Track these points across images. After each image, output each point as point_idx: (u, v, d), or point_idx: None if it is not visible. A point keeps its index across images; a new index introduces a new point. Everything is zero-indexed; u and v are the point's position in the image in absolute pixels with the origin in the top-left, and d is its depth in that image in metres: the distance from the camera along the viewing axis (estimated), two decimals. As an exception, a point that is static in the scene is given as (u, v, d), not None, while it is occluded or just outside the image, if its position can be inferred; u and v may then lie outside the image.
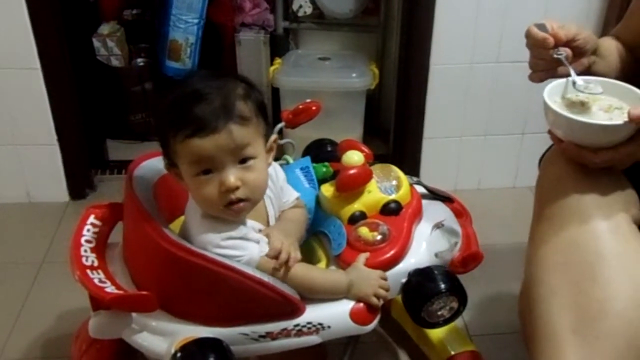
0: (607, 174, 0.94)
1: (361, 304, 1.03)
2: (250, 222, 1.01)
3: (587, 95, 0.98)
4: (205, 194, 0.94)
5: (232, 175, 0.93)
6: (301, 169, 1.24)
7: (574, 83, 0.97)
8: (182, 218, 1.07)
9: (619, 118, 0.91)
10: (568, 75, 0.99)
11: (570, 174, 0.95)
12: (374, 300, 1.03)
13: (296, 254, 1.01)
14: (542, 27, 0.99)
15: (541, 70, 1.01)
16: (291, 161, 1.30)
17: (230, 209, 0.95)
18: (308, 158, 1.27)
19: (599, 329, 0.84)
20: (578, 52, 1.00)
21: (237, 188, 0.93)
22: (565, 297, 0.88)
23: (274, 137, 1.02)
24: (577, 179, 0.94)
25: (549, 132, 0.97)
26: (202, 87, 0.93)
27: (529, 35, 1.00)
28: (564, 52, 0.98)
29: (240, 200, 0.94)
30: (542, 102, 0.95)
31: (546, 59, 1.00)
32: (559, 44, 0.98)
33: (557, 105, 0.94)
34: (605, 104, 0.96)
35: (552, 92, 0.97)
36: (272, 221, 1.07)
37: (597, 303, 0.85)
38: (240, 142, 0.92)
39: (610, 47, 1.08)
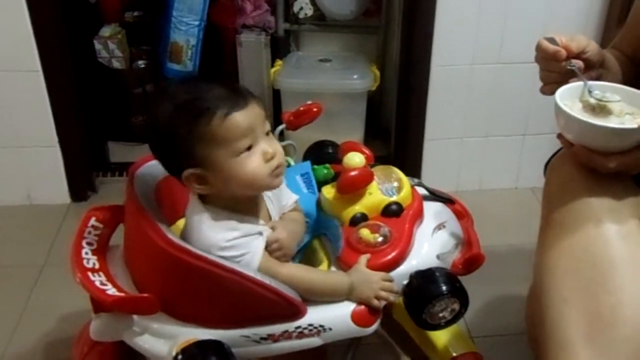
0: (616, 178, 0.94)
1: (362, 306, 1.03)
2: (258, 223, 1.02)
3: (597, 100, 0.97)
4: (253, 168, 0.96)
5: (268, 144, 0.98)
6: (301, 175, 1.24)
7: (589, 92, 0.97)
8: (183, 220, 1.07)
9: (630, 122, 0.90)
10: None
11: (579, 179, 0.95)
12: (375, 302, 1.03)
13: (292, 251, 1.05)
14: (552, 40, 0.99)
15: (553, 82, 1.01)
16: (292, 163, 1.30)
17: (274, 175, 0.98)
18: (308, 163, 1.26)
19: (612, 336, 0.84)
20: (587, 64, 1.00)
21: (275, 154, 0.98)
22: (577, 304, 0.87)
23: None
24: (586, 184, 0.94)
25: (559, 135, 0.97)
26: (199, 88, 0.96)
27: (539, 49, 0.99)
28: (576, 64, 0.98)
29: (278, 166, 0.99)
30: (554, 104, 0.95)
31: (558, 72, 0.99)
32: (570, 56, 0.98)
33: (568, 109, 0.93)
34: (617, 109, 0.96)
35: (564, 95, 0.96)
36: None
37: (609, 309, 0.85)
38: (264, 112, 0.98)
39: (613, 60, 1.09)
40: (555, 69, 0.99)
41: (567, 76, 0.99)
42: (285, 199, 1.11)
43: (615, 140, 0.91)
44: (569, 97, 0.97)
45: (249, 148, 0.96)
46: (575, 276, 0.89)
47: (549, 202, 1.00)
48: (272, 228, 1.03)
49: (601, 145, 0.92)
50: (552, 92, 1.00)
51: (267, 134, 0.99)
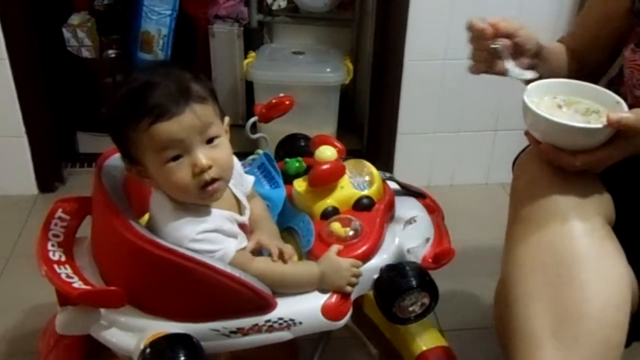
0: (582, 176, 0.95)
1: (332, 299, 1.03)
2: (226, 213, 1.01)
3: (564, 99, 0.98)
4: (178, 180, 0.93)
5: (203, 155, 0.93)
6: (258, 167, 1.23)
7: (507, 70, 0.98)
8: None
9: (596, 121, 0.91)
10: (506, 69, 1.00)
11: (545, 176, 0.95)
12: (348, 289, 1.03)
13: (289, 250, 1.04)
14: (483, 20, 1.01)
15: (482, 62, 1.01)
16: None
17: (206, 191, 0.94)
18: (263, 154, 1.25)
19: (577, 331, 0.85)
20: (519, 49, 1.01)
21: (209, 167, 0.93)
22: (542, 299, 0.88)
23: (227, 119, 1.01)
24: (552, 181, 0.95)
25: (526, 133, 0.98)
26: (151, 77, 0.93)
27: (469, 27, 1.00)
28: (502, 43, 0.99)
29: (214, 180, 0.94)
30: (522, 103, 0.95)
31: (486, 50, 1.00)
32: (499, 35, 0.99)
33: (536, 107, 0.94)
34: (583, 107, 0.96)
35: (532, 93, 0.97)
36: (245, 212, 1.06)
37: (574, 305, 0.86)
38: (205, 120, 0.93)
39: (557, 53, 1.10)
40: (483, 47, 1.00)
41: (494, 56, 1.00)
42: (246, 183, 1.11)
43: (581, 139, 0.91)
44: (537, 94, 0.98)
45: (177, 158, 0.92)
46: (541, 272, 0.90)
47: (516, 199, 1.01)
48: (260, 244, 1.04)
49: (567, 144, 0.92)
50: (478, 72, 1.01)
51: (211, 141, 0.94)
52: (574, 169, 0.93)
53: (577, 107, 0.97)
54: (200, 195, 0.95)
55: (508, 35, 0.99)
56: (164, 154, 0.92)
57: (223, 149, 0.96)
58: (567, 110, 0.96)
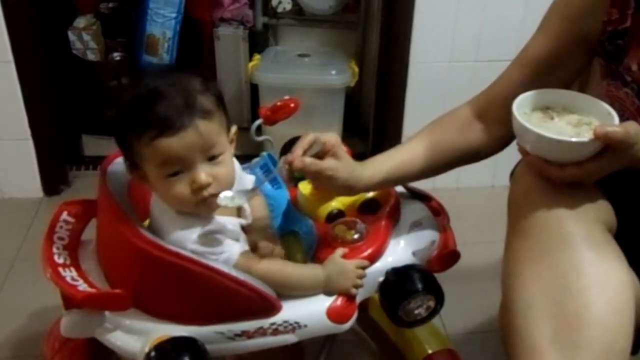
0: (578, 185, 0.94)
1: (338, 302, 1.03)
2: (228, 219, 1.00)
3: (558, 110, 0.97)
4: (177, 193, 0.93)
5: (204, 173, 0.92)
6: (260, 167, 1.23)
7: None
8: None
9: (586, 134, 0.90)
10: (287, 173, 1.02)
11: (541, 187, 0.94)
12: (354, 291, 1.03)
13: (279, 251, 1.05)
14: (316, 143, 1.06)
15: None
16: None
17: (204, 205, 0.94)
18: (266, 155, 1.25)
19: (578, 338, 0.83)
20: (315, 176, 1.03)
21: (208, 184, 0.92)
22: (541, 308, 0.87)
23: (234, 128, 1.00)
24: (548, 191, 0.93)
25: (518, 144, 0.97)
26: (159, 84, 0.92)
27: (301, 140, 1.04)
28: (283, 166, 1.01)
29: (212, 195, 0.94)
30: (511, 114, 0.94)
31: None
32: (292, 168, 1.00)
33: (525, 118, 0.93)
34: (575, 119, 0.95)
35: (522, 104, 0.96)
36: (246, 214, 1.06)
37: (573, 312, 0.85)
38: (208, 138, 0.91)
39: (405, 157, 1.13)
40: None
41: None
42: (246, 184, 1.09)
43: (568, 152, 0.90)
44: (529, 105, 0.96)
45: (177, 173, 0.92)
46: (539, 281, 0.89)
47: (512, 211, 1.00)
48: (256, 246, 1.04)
49: (555, 157, 0.91)
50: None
51: (214, 157, 0.93)
52: (561, 181, 0.92)
53: (570, 119, 0.95)
54: (197, 208, 0.95)
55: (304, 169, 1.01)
56: (164, 169, 0.92)
57: (225, 165, 0.95)
58: (559, 121, 0.95)
